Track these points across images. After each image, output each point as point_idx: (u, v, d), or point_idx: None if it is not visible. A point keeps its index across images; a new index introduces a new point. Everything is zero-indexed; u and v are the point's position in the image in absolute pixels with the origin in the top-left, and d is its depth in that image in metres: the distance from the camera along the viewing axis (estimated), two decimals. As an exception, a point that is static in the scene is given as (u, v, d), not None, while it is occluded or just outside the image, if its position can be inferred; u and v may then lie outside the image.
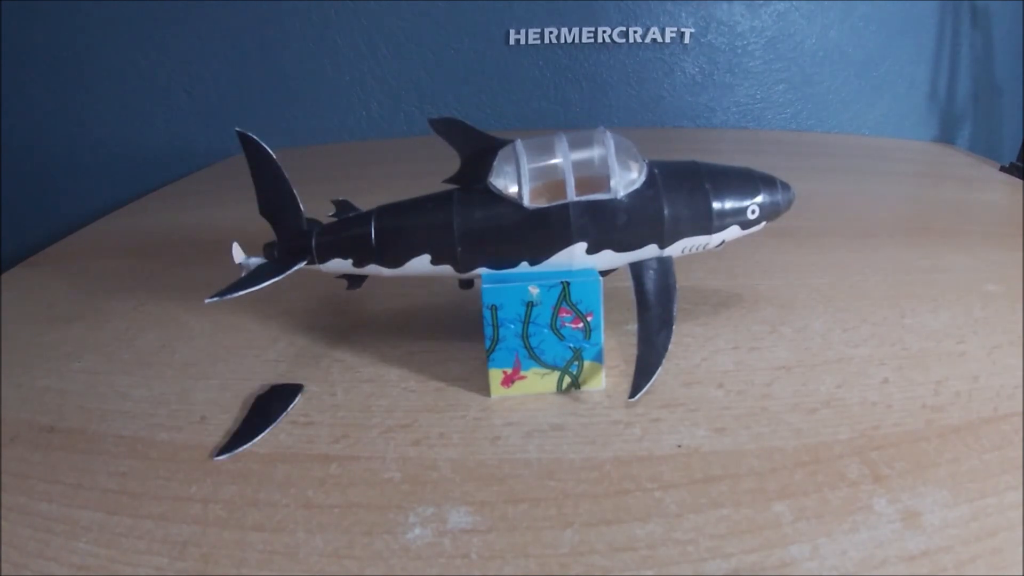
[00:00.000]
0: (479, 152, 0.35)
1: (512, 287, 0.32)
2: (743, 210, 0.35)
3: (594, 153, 0.34)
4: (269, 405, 0.34)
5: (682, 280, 0.46)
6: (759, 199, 0.35)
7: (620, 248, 0.34)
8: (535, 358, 0.34)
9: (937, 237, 0.54)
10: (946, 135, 0.95)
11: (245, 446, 0.31)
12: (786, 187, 0.37)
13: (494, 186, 0.34)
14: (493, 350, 0.33)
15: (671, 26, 0.95)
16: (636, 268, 0.35)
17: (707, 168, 0.36)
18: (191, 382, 0.37)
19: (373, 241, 0.35)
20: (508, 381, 0.34)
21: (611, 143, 0.33)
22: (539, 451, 0.30)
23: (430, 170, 0.36)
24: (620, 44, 0.97)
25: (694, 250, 0.36)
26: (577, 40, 0.96)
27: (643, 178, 0.34)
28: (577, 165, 0.33)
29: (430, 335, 0.41)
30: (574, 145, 0.34)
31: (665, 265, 0.35)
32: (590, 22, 0.96)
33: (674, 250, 0.35)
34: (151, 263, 0.56)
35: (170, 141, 1.01)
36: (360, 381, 0.37)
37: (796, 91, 0.97)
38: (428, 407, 0.34)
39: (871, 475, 0.27)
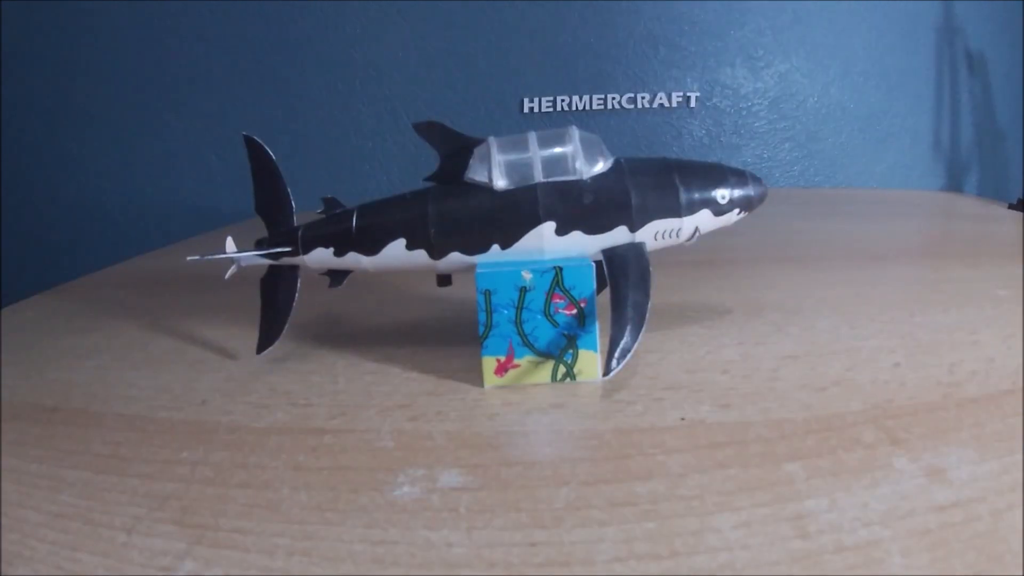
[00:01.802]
0: (457, 151, 0.36)
1: (505, 272, 0.32)
2: (712, 195, 0.35)
3: (562, 144, 0.35)
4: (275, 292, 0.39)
5: (687, 295, 0.47)
6: (728, 186, 0.36)
7: (590, 230, 0.34)
8: (528, 345, 0.33)
9: (947, 257, 0.53)
10: (953, 183, 0.96)
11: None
12: (757, 180, 0.37)
13: (469, 179, 0.35)
14: (487, 336, 0.33)
15: (677, 91, 1.00)
16: (609, 251, 0.34)
17: (675, 159, 0.36)
18: (197, 375, 0.38)
19: (354, 230, 0.36)
20: (501, 370, 0.33)
21: (576, 135, 0.35)
22: (537, 424, 0.29)
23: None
24: (629, 110, 1.02)
25: (668, 236, 0.35)
26: (588, 107, 1.02)
27: (609, 166, 0.35)
28: (545, 153, 0.35)
29: (434, 340, 0.41)
30: (543, 139, 0.35)
31: (638, 250, 0.34)
32: (600, 89, 1.01)
33: (646, 235, 0.35)
34: (171, 291, 0.58)
35: (198, 201, 1.06)
36: (363, 372, 0.36)
37: (802, 148, 1.00)
38: (428, 391, 0.33)
39: (888, 439, 0.26)
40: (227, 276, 0.38)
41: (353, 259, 0.37)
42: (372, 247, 0.36)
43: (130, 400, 0.34)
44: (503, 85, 1.02)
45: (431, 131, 0.36)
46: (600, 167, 0.35)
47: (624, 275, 0.33)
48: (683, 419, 0.29)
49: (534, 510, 0.23)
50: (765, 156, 1.02)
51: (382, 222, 0.36)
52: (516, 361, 0.33)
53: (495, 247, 0.34)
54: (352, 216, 0.37)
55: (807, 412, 0.29)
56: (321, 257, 0.37)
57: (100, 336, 0.46)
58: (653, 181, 0.35)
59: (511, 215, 0.34)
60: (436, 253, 0.35)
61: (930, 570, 0.19)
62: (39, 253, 1.08)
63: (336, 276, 0.39)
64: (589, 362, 0.33)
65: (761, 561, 0.20)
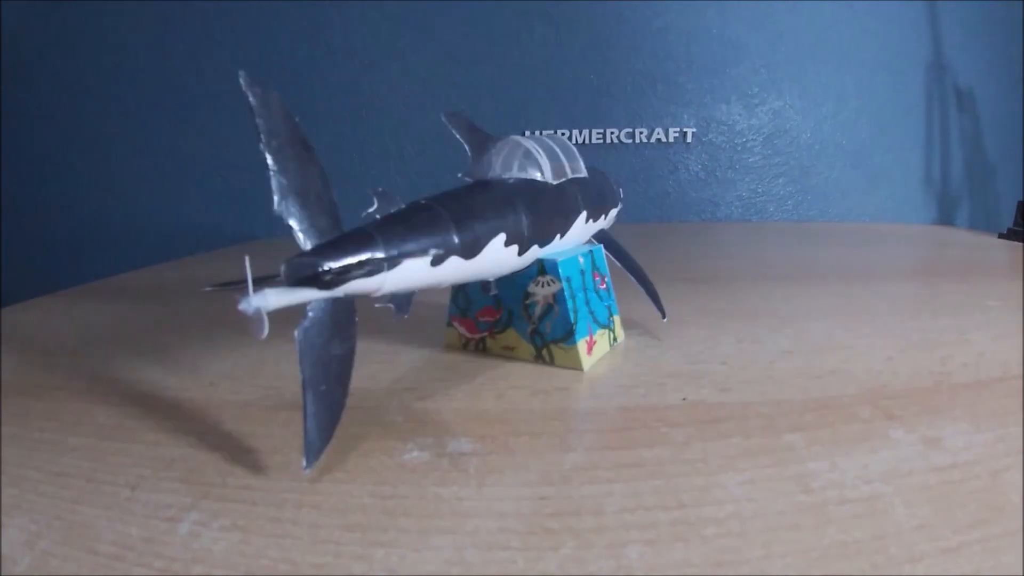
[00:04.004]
0: (483, 146, 0.37)
1: (573, 258, 0.35)
2: (620, 192, 0.45)
3: (568, 146, 0.39)
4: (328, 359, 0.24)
5: (684, 304, 0.48)
6: (619, 186, 0.45)
7: (595, 217, 0.39)
8: (596, 321, 0.36)
9: (938, 276, 0.55)
10: (944, 217, 0.99)
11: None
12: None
13: (514, 176, 0.35)
14: (576, 321, 0.34)
15: (674, 127, 1.04)
16: (600, 234, 0.41)
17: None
18: (204, 362, 0.38)
19: (453, 225, 0.27)
20: (589, 349, 0.35)
21: (566, 140, 0.39)
22: (543, 404, 0.30)
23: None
24: (627, 144, 1.05)
25: (610, 223, 0.43)
26: (587, 141, 1.05)
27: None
28: (566, 152, 0.38)
29: (441, 337, 0.41)
30: (554, 140, 0.38)
31: (611, 232, 0.42)
32: (599, 124, 1.05)
33: (607, 222, 0.42)
34: (175, 299, 0.58)
35: (201, 220, 1.07)
36: (370, 362, 0.37)
37: (795, 184, 1.02)
38: (435, 377, 0.34)
39: (884, 415, 0.27)
40: (264, 335, 0.20)
41: (451, 267, 0.27)
42: (473, 248, 0.28)
43: (136, 382, 0.35)
44: (504, 118, 1.05)
45: (460, 123, 0.36)
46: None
47: (621, 249, 0.40)
48: (685, 399, 0.29)
49: (543, 471, 0.24)
50: (759, 191, 1.05)
51: (481, 216, 0.29)
52: (594, 337, 0.35)
53: (557, 236, 0.35)
54: (437, 211, 0.27)
55: (804, 395, 0.29)
56: (413, 271, 0.25)
57: (104, 330, 0.46)
58: (604, 180, 0.43)
59: (566, 206, 0.36)
60: (523, 248, 0.32)
61: (934, 520, 0.19)
62: (40, 267, 1.08)
63: (404, 301, 0.30)
64: (618, 325, 0.38)
65: (768, 511, 0.20)
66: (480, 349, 0.37)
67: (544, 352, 0.35)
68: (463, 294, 0.37)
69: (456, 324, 0.38)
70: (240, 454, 0.26)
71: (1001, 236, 0.74)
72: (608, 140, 1.05)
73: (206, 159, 1.06)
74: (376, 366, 0.36)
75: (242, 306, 0.20)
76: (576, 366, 0.34)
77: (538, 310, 0.34)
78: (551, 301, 0.33)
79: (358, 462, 0.25)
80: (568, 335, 0.33)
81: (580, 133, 1.04)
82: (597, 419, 0.28)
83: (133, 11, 1.03)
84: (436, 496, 0.22)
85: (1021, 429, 0.25)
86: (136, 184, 1.07)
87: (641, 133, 1.04)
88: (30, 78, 1.06)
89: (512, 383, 0.33)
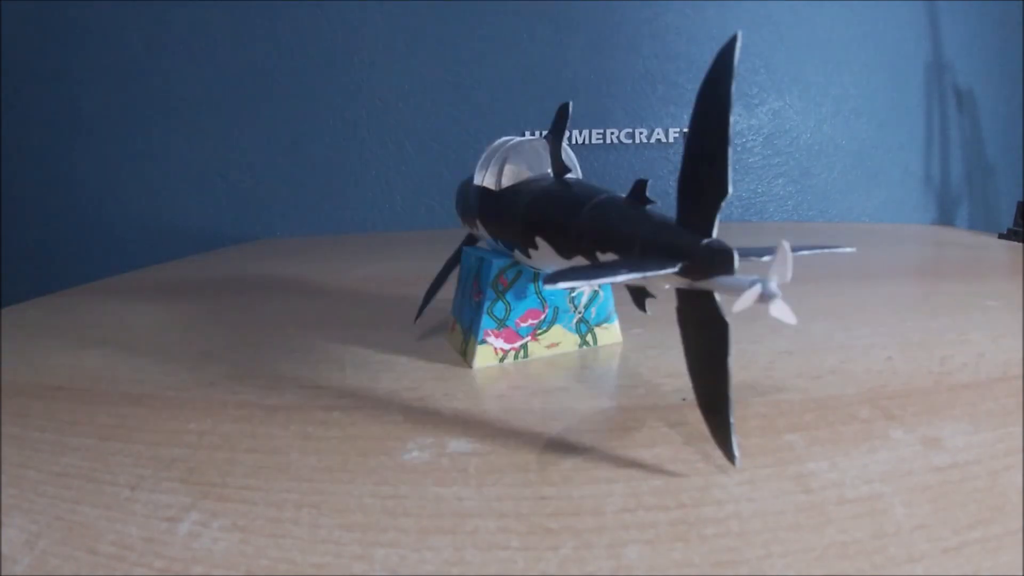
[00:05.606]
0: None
1: None
2: None
3: None
4: None
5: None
6: None
7: None
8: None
9: (937, 276, 0.55)
10: (944, 217, 0.99)
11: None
12: None
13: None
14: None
15: (674, 127, 1.04)
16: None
17: None
18: (205, 363, 0.38)
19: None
20: None
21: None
22: (544, 404, 0.30)
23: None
24: (627, 144, 1.05)
25: None
26: (588, 141, 1.05)
27: None
28: None
29: (441, 338, 0.42)
30: None
31: None
32: (599, 124, 1.05)
33: None
34: (174, 298, 0.58)
35: (201, 220, 1.08)
36: (370, 362, 0.37)
37: (795, 184, 1.02)
38: (435, 377, 0.34)
39: (883, 415, 0.27)
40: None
41: None
42: None
43: (137, 383, 0.35)
44: (505, 118, 1.05)
45: (564, 115, 0.33)
46: None
47: None
48: (684, 399, 0.29)
49: (542, 471, 0.24)
50: (759, 191, 1.05)
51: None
52: None
53: None
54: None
55: (804, 395, 0.29)
56: None
57: (105, 331, 0.46)
58: None
59: None
60: None
61: (933, 520, 0.19)
62: (40, 267, 1.08)
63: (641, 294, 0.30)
64: None
65: (767, 511, 0.20)
66: (522, 358, 0.36)
67: (588, 337, 0.37)
68: (501, 304, 0.35)
69: (491, 339, 0.35)
70: (240, 454, 0.26)
71: (1001, 236, 0.74)
72: (608, 140, 1.05)
73: (206, 160, 1.06)
74: (376, 366, 0.36)
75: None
76: (617, 340, 0.38)
77: (585, 299, 0.36)
78: (597, 288, 0.36)
79: (358, 462, 0.25)
80: (611, 313, 0.38)
81: (580, 133, 1.04)
82: (597, 419, 0.28)
83: (133, 11, 1.03)
84: (436, 496, 0.22)
85: (1021, 429, 0.25)
86: (136, 184, 1.07)
87: (641, 133, 1.04)
88: (30, 78, 1.06)
89: (512, 383, 0.33)
